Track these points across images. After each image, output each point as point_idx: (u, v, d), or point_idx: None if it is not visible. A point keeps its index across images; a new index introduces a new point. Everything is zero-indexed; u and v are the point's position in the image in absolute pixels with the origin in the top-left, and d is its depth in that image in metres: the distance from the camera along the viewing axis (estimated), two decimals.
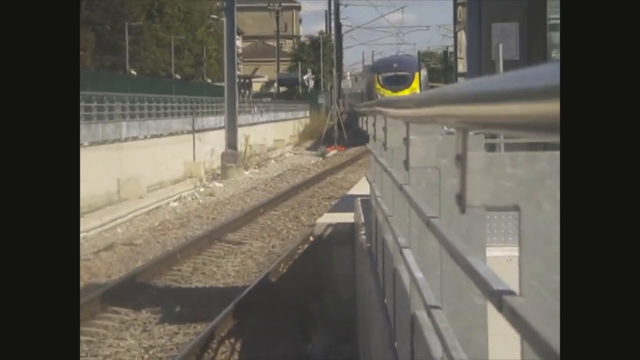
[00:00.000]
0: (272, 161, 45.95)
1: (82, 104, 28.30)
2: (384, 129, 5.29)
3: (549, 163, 2.57)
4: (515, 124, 1.54)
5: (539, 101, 1.32)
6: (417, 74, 50.03)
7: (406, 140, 3.69)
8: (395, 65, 53.62)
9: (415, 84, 50.14)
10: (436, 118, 2.67)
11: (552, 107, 1.25)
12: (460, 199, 2.13)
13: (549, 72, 1.30)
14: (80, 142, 27.05)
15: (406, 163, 3.69)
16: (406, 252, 4.00)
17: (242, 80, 68.26)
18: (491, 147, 8.13)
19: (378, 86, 51.35)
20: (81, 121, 27.99)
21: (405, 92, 43.55)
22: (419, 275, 3.57)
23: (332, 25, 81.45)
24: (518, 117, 1.47)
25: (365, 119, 9.06)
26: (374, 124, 6.78)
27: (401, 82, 50.68)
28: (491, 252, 5.86)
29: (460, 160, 2.17)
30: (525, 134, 1.52)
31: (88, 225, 21.84)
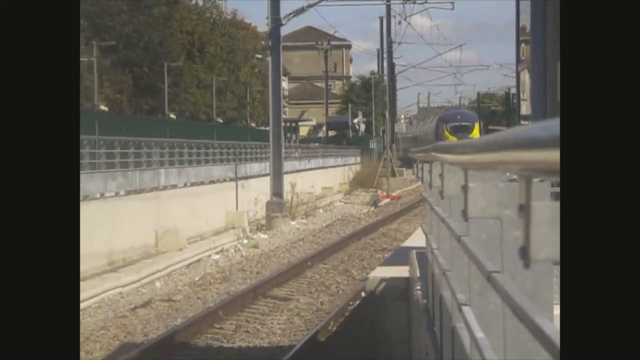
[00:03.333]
0: (321, 210, 45.99)
1: (118, 150, 28.60)
2: (441, 176, 5.27)
3: None
4: None
5: None
6: (477, 124, 67.15)
7: (464, 188, 3.67)
8: (459, 117, 72.34)
9: (476, 131, 64.90)
10: (497, 164, 2.65)
11: None
12: (525, 252, 2.11)
13: None
14: (117, 191, 27.32)
15: (465, 213, 3.66)
16: (466, 309, 3.96)
17: (288, 123, 68.63)
18: (558, 196, 8.07)
19: (447, 133, 66.86)
20: (117, 168, 28.27)
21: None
22: (479, 335, 3.53)
23: (385, 64, 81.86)
24: None
25: (420, 165, 9.07)
26: (430, 171, 6.77)
27: (464, 130, 66.43)
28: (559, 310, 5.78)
29: (524, 210, 2.16)
30: None
31: (124, 280, 21.97)
